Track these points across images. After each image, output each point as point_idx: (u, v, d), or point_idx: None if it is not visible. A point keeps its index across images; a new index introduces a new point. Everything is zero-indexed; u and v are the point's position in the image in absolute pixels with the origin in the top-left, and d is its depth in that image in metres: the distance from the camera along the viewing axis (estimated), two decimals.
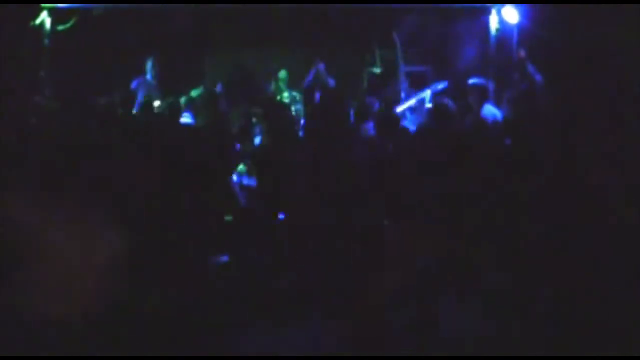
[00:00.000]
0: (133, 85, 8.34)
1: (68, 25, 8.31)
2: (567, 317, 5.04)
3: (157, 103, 8.21)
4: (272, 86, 9.35)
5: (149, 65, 8.39)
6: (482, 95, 7.31)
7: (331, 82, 8.52)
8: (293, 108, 9.05)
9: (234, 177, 6.92)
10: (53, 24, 8.24)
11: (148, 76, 8.42)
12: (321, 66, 8.93)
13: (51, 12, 8.14)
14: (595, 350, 4.54)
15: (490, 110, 7.29)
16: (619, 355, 4.53)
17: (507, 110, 7.30)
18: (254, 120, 8.17)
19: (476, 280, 5.82)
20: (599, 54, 7.61)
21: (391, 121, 6.80)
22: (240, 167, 7.07)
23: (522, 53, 8.06)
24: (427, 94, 8.16)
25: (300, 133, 6.96)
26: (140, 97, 8.19)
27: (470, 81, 7.61)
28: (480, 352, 4.71)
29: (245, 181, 7.07)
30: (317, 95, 8.72)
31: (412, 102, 8.40)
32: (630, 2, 7.11)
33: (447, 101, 6.87)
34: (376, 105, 7.49)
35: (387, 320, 5.03)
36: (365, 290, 5.21)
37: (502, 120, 7.24)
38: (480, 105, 7.23)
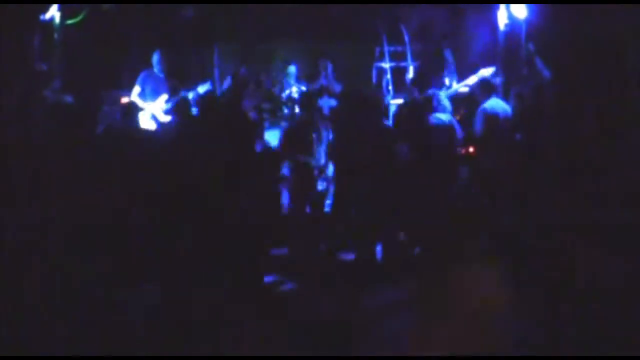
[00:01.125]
0: (140, 78, 8.38)
1: (77, 19, 8.35)
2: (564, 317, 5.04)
3: (164, 97, 8.28)
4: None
5: (156, 58, 8.42)
6: (487, 90, 7.29)
7: (337, 87, 8.46)
8: None
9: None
10: (62, 18, 8.28)
11: (155, 70, 8.45)
12: (329, 68, 8.89)
13: (61, 7, 8.18)
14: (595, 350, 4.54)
15: (500, 105, 7.28)
16: (619, 355, 4.51)
17: (515, 104, 7.28)
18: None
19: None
20: (607, 49, 7.53)
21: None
22: None
23: (531, 48, 8.02)
24: (472, 80, 8.10)
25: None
26: (147, 90, 8.27)
27: (477, 77, 7.61)
28: None
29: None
30: (325, 99, 8.78)
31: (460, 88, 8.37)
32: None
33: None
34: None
35: None
36: None
37: (511, 115, 7.24)
38: (484, 99, 7.22)
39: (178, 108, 7.18)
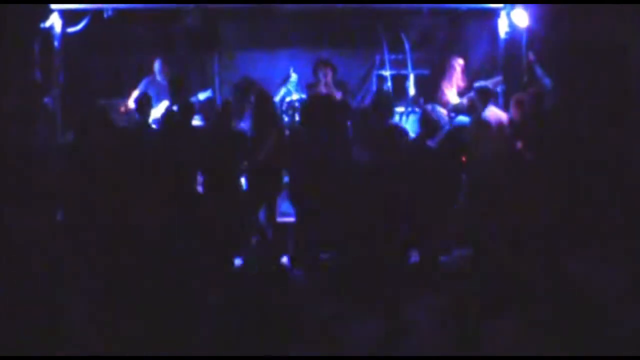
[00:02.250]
0: (142, 85, 8.38)
1: (78, 27, 8.34)
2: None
3: (164, 104, 8.27)
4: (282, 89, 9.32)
5: (157, 65, 8.42)
6: (485, 98, 7.30)
7: (338, 94, 8.44)
8: None
9: None
10: (64, 26, 8.26)
11: (157, 77, 8.45)
12: (329, 75, 8.87)
13: (62, 14, 8.16)
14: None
15: (494, 113, 7.28)
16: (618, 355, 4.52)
17: (515, 113, 7.28)
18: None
19: None
20: (607, 57, 7.57)
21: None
22: None
23: (531, 56, 8.03)
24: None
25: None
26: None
27: (475, 85, 7.62)
28: None
29: None
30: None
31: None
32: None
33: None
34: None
35: None
36: None
37: (508, 123, 7.24)
38: (483, 108, 7.23)
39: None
